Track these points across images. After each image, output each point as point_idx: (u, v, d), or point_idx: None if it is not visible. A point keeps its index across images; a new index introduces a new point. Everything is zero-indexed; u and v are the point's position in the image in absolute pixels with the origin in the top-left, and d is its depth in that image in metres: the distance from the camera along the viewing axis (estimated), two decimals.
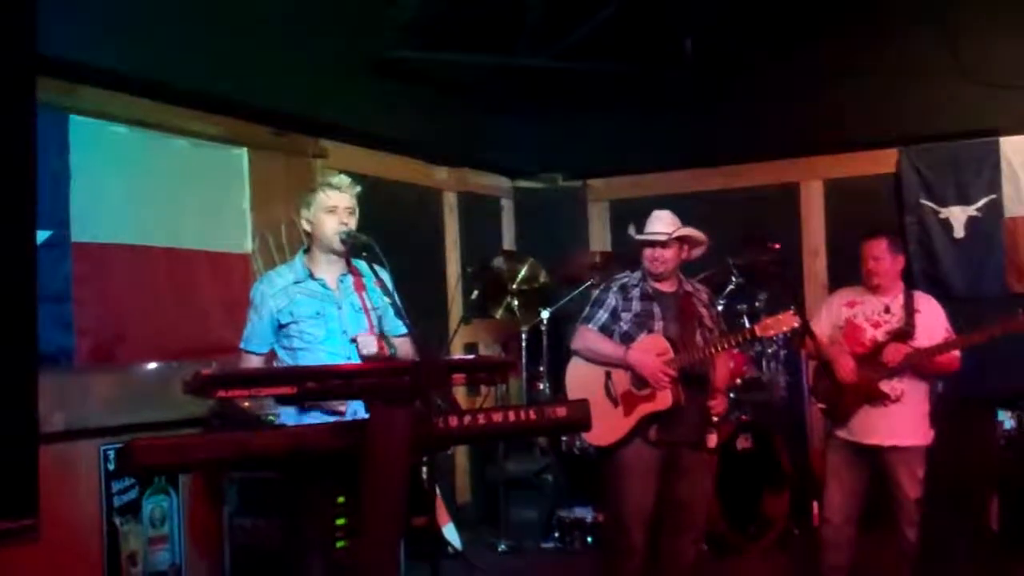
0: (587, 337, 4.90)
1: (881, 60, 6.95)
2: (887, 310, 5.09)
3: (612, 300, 4.88)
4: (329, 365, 3.82)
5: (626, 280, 4.93)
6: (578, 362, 4.98)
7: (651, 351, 4.71)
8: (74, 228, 4.87)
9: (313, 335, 4.00)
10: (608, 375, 4.82)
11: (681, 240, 4.83)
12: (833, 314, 5.23)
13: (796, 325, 4.70)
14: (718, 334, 4.91)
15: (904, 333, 4.98)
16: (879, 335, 5.05)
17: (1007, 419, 6.13)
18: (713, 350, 4.74)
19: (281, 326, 4.03)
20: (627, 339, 4.80)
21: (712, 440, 4.91)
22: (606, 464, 4.85)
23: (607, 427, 4.69)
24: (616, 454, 4.78)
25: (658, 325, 4.79)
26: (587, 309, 5.00)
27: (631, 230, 4.92)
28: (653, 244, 4.80)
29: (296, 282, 4.05)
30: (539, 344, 7.18)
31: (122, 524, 5.11)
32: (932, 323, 5.04)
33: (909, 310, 5.03)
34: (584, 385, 4.81)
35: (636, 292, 4.85)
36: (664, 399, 4.68)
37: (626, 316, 4.83)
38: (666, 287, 4.87)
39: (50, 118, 4.67)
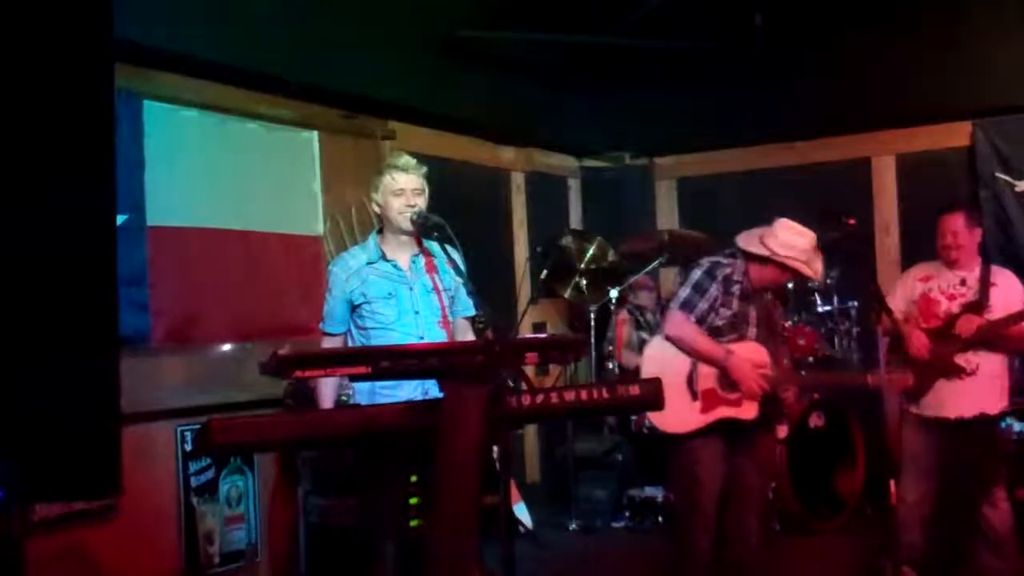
0: (686, 330, 4.64)
1: (954, 30, 6.79)
2: (963, 283, 5.01)
3: (714, 291, 4.65)
4: (403, 344, 3.85)
5: (730, 271, 4.68)
6: (666, 344, 4.75)
7: (751, 360, 4.59)
8: (149, 212, 4.97)
9: (385, 315, 4.04)
10: (694, 366, 4.65)
11: None
12: (908, 288, 5.16)
13: (910, 384, 4.78)
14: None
15: (978, 304, 4.90)
16: (953, 307, 4.97)
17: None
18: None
19: (354, 307, 4.09)
20: (716, 334, 4.64)
21: (782, 431, 4.82)
22: (676, 447, 4.74)
23: (681, 417, 4.60)
24: (688, 442, 4.67)
25: (751, 331, 4.67)
26: (686, 291, 4.71)
27: (770, 241, 4.62)
28: (790, 271, 4.66)
29: (369, 263, 4.10)
30: (607, 323, 7.16)
31: (199, 504, 5.20)
32: (1008, 296, 4.95)
33: (985, 282, 4.94)
34: (664, 368, 4.53)
35: (737, 289, 4.66)
36: (750, 410, 4.59)
37: (724, 312, 4.64)
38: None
39: (125, 103, 4.75)
